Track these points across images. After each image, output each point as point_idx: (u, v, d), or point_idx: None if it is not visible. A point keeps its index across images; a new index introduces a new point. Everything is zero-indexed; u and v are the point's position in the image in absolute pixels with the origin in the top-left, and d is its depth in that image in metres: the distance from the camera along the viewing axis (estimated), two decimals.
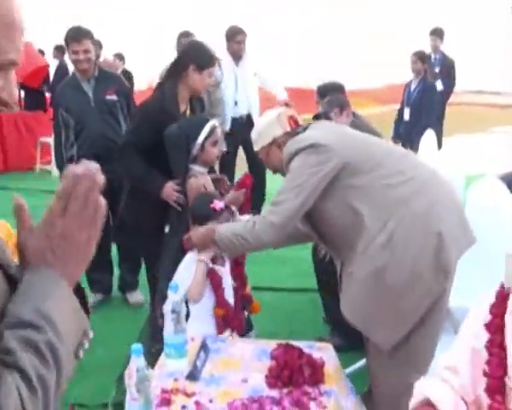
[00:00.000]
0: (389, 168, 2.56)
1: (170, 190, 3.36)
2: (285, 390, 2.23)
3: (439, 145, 7.19)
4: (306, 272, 4.19)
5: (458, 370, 1.74)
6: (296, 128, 2.72)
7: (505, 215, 3.43)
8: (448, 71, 8.30)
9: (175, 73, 3.51)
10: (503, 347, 1.64)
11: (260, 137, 2.76)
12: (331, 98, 4.25)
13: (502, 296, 1.69)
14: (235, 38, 6.02)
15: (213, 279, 2.85)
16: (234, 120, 6.01)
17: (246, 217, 3.00)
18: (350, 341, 3.53)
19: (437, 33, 8.48)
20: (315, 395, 2.19)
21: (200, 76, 3.48)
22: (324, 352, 2.49)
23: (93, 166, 0.93)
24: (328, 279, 3.84)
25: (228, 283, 2.93)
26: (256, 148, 2.82)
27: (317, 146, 2.53)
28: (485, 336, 1.68)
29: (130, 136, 3.58)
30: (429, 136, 6.07)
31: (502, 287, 1.70)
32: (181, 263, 2.85)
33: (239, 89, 6.08)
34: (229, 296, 2.93)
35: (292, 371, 2.28)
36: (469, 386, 1.70)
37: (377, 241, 2.46)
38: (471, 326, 1.76)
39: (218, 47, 6.23)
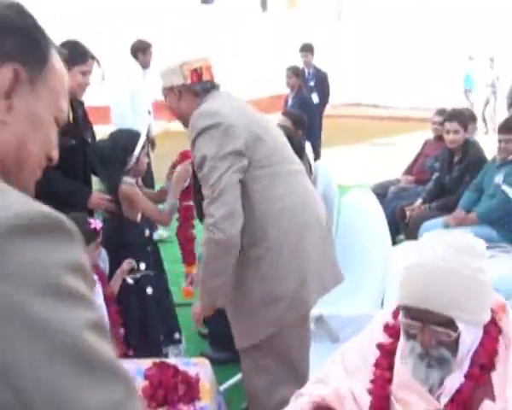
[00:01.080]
0: (281, 177, 2.51)
1: (97, 199, 3.35)
2: None
3: (318, 156, 7.39)
4: None
5: (328, 380, 1.77)
6: (196, 83, 2.55)
7: (373, 224, 3.58)
8: (322, 84, 8.53)
9: None
10: (390, 367, 1.63)
11: (162, 76, 2.65)
12: None
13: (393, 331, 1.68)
14: (145, 50, 6.43)
15: None
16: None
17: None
18: (229, 354, 3.54)
19: (306, 49, 8.68)
20: None
21: (70, 74, 3.25)
22: (200, 368, 2.48)
23: None
24: None
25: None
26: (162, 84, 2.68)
27: (226, 127, 2.38)
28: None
29: None
30: (306, 148, 6.22)
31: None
32: None
33: (148, 99, 6.45)
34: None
35: (166, 390, 2.25)
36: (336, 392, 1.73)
37: (249, 254, 2.47)
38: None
39: (127, 58, 6.49)
